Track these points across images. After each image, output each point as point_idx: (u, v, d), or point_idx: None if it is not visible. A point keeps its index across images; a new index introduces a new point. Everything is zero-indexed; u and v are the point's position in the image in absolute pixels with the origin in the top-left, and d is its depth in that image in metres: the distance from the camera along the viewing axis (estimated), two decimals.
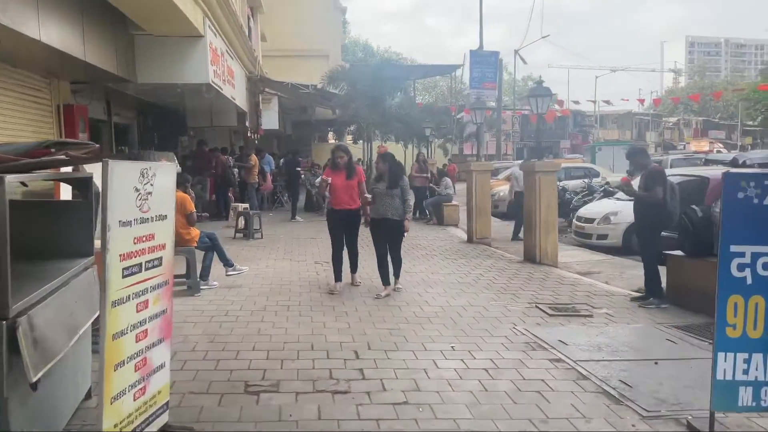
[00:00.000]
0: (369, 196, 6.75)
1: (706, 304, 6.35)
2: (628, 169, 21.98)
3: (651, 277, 6.65)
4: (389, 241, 6.92)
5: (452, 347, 4.91)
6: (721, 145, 56.07)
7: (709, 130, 70.42)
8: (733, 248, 3.21)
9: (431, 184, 15.42)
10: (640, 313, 6.22)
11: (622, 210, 11.80)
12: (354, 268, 7.29)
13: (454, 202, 14.93)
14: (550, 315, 6.03)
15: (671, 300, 6.55)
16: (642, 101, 37.57)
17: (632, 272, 9.29)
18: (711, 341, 5.30)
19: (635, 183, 13.56)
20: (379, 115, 14.78)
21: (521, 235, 12.27)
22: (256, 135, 19.92)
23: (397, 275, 7.07)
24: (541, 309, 6.28)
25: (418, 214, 15.69)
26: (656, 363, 4.58)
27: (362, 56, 40.92)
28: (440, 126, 35.56)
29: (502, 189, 18.45)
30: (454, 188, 23.47)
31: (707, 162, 17.75)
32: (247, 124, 16.79)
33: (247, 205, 12.86)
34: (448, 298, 6.69)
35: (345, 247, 7.09)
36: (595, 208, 12.62)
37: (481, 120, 11.62)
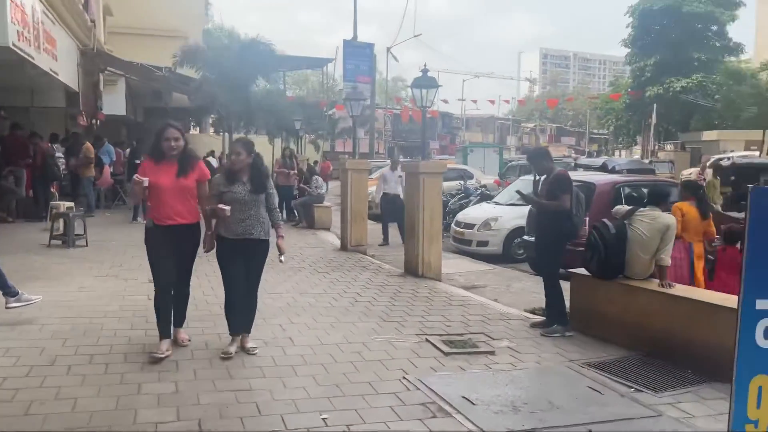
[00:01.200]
0: (226, 207, 4.37)
1: (616, 331, 5.42)
2: (499, 172, 21.98)
3: (554, 299, 5.71)
4: (249, 272, 4.62)
5: (324, 420, 3.49)
6: (573, 151, 60.24)
7: (561, 137, 75.74)
8: (761, 304, 2.09)
9: (301, 184, 13.89)
10: (545, 345, 5.22)
11: (502, 215, 11.16)
12: (181, 319, 4.79)
13: (326, 203, 13.54)
14: (446, 354, 4.82)
15: (575, 325, 5.65)
16: (507, 101, 38.83)
17: (518, 285, 8.52)
18: (635, 386, 4.45)
19: (513, 187, 13.21)
20: (242, 103, 12.95)
21: (390, 240, 11.21)
22: (95, 121, 17.12)
23: (248, 327, 4.71)
24: (433, 344, 5.06)
25: (285, 216, 14.11)
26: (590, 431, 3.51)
27: (228, 43, 38.14)
28: (311, 120, 34.09)
29: (375, 189, 17.39)
30: (328, 187, 22.12)
31: (577, 166, 18.02)
32: (80, 107, 14.09)
33: (71, 204, 10.51)
34: (318, 333, 5.25)
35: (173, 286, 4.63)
36: (474, 213, 11.90)
37: (357, 113, 10.33)
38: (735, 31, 38.59)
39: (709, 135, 33.76)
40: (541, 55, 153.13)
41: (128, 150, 17.34)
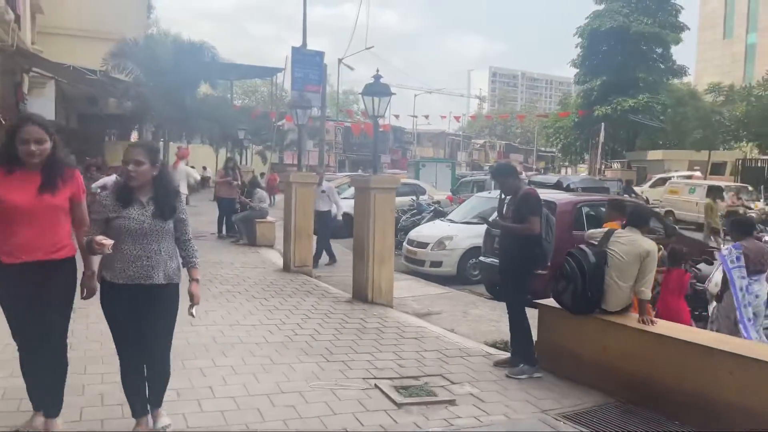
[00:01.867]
0: (107, 242, 3.04)
1: (592, 373, 4.55)
2: (452, 187, 21.48)
3: (520, 335, 5.04)
4: (151, 333, 3.29)
5: None
6: (523, 168, 61.03)
7: (510, 153, 76.88)
8: None
9: (242, 197, 12.93)
10: (513, 391, 4.54)
11: (457, 234, 10.57)
12: (55, 403, 3.35)
13: (269, 219, 12.62)
14: (399, 405, 4.06)
15: (544, 364, 4.99)
16: (458, 118, 38.92)
17: (476, 311, 7.84)
18: None
19: (468, 205, 12.65)
20: (179, 110, 11.92)
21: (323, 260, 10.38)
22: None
23: (158, 400, 3.45)
24: (383, 391, 4.29)
25: (224, 231, 13.12)
26: None
27: (171, 48, 36.70)
28: (259, 131, 33.04)
29: None
30: (273, 200, 21.09)
31: (531, 183, 17.71)
32: None
33: None
34: (247, 379, 4.40)
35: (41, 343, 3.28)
36: (428, 231, 11.26)
37: (303, 121, 9.53)
38: (677, 55, 39.97)
39: (654, 155, 34.53)
40: (490, 74, 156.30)
41: None
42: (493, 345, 5.91)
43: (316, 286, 8.28)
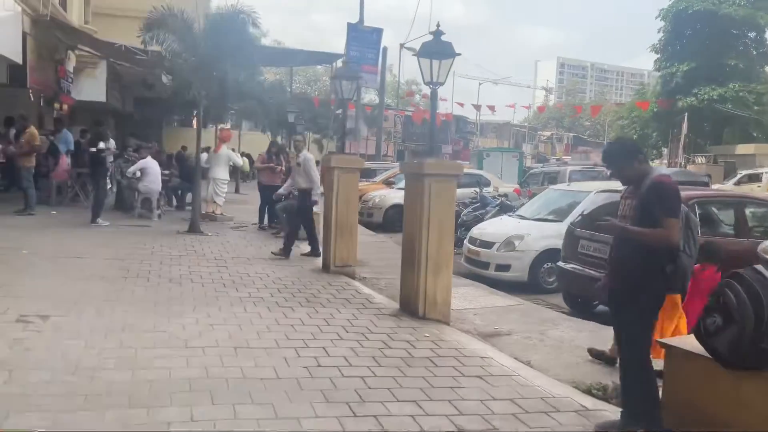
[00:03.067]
0: None
1: None
2: (519, 180, 19.50)
3: (641, 387, 3.41)
4: None
5: None
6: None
7: (578, 146, 73.30)
8: None
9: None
10: None
11: (529, 233, 8.91)
12: None
13: (315, 210, 11.28)
14: None
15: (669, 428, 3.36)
16: (527, 107, 36.74)
17: (556, 333, 6.18)
18: None
19: (542, 200, 10.88)
20: (219, 87, 10.71)
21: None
22: (60, 105, 15.06)
23: None
24: None
25: (266, 221, 11.92)
26: None
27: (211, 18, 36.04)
28: (317, 119, 32.08)
29: (379, 194, 15.29)
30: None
31: (612, 176, 15.67)
32: (28, 84, 11.88)
33: None
34: None
35: None
36: (493, 228, 9.63)
37: (348, 95, 8.08)
38: None
39: (744, 149, 31.20)
40: (558, 65, 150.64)
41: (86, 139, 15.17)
42: (588, 391, 4.29)
43: (357, 292, 6.83)
